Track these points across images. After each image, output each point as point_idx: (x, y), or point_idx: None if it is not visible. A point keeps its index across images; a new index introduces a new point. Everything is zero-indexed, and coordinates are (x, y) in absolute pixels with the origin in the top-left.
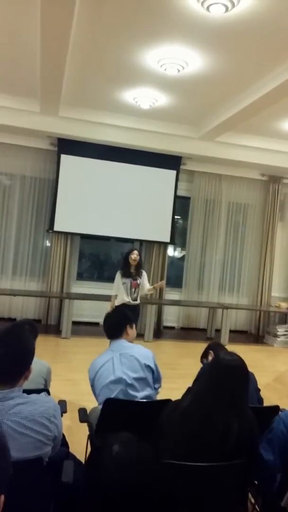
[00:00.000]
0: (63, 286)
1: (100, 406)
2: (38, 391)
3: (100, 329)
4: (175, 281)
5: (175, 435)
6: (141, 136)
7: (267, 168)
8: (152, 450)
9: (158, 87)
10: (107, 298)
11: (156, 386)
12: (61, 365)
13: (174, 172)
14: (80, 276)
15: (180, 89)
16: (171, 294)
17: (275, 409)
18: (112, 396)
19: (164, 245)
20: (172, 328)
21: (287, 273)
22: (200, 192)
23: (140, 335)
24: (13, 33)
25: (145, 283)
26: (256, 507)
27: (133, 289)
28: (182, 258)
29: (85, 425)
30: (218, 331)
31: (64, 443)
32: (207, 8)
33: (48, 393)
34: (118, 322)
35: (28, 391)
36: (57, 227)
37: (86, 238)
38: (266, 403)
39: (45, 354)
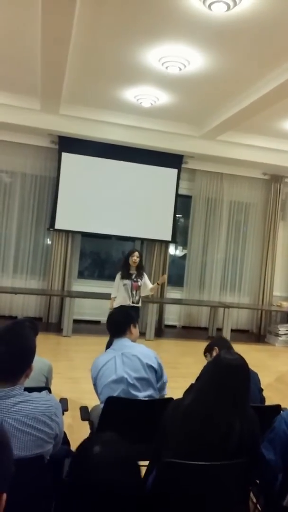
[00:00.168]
0: (64, 284)
1: (102, 405)
2: (39, 389)
3: (101, 327)
4: (177, 280)
5: (177, 434)
6: (142, 134)
7: (269, 167)
8: (153, 450)
9: (160, 85)
10: (108, 296)
11: (159, 385)
12: (62, 363)
13: (175, 171)
14: (81, 275)
15: (182, 87)
16: (173, 293)
17: (277, 408)
18: (114, 395)
19: (166, 243)
20: (174, 327)
21: None
22: (202, 190)
23: (141, 334)
24: (14, 32)
25: (147, 282)
26: (258, 506)
27: (135, 291)
28: (184, 256)
29: (86, 423)
30: (219, 330)
31: (65, 441)
32: (209, 7)
33: (49, 391)
34: (123, 321)
35: (29, 389)
36: (58, 225)
37: (87, 236)
38: (267, 402)
39: (46, 352)
